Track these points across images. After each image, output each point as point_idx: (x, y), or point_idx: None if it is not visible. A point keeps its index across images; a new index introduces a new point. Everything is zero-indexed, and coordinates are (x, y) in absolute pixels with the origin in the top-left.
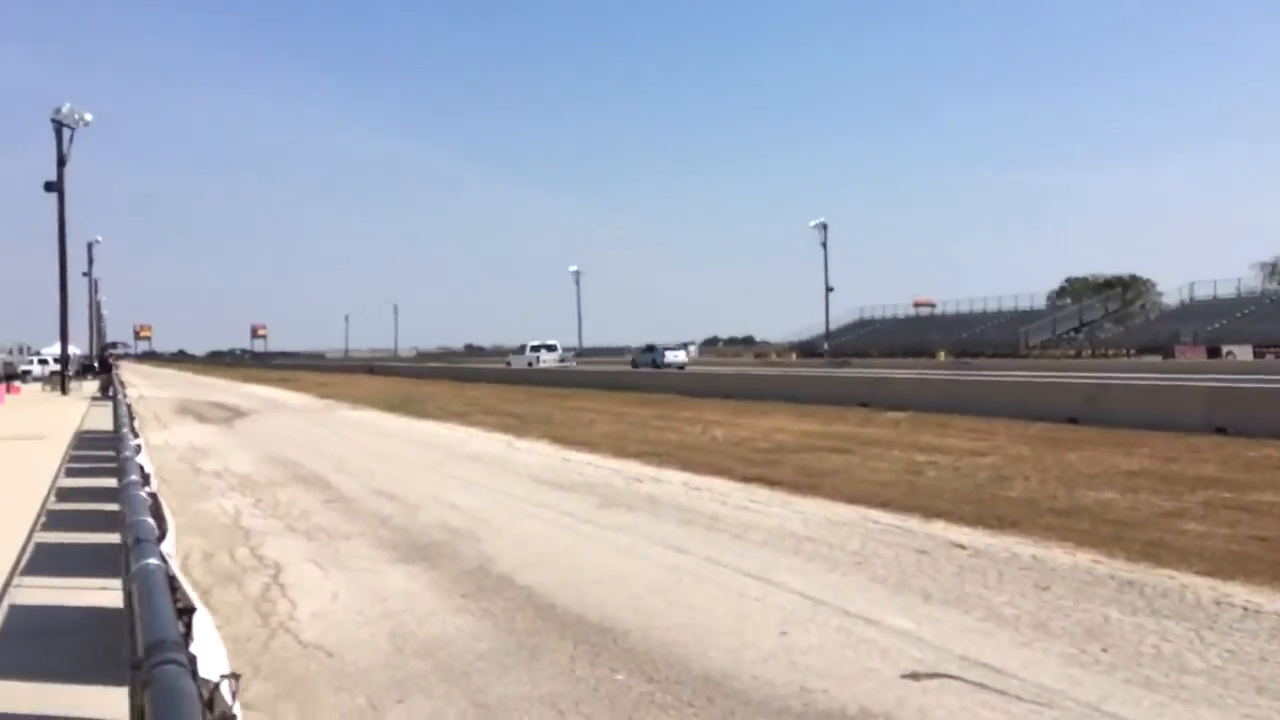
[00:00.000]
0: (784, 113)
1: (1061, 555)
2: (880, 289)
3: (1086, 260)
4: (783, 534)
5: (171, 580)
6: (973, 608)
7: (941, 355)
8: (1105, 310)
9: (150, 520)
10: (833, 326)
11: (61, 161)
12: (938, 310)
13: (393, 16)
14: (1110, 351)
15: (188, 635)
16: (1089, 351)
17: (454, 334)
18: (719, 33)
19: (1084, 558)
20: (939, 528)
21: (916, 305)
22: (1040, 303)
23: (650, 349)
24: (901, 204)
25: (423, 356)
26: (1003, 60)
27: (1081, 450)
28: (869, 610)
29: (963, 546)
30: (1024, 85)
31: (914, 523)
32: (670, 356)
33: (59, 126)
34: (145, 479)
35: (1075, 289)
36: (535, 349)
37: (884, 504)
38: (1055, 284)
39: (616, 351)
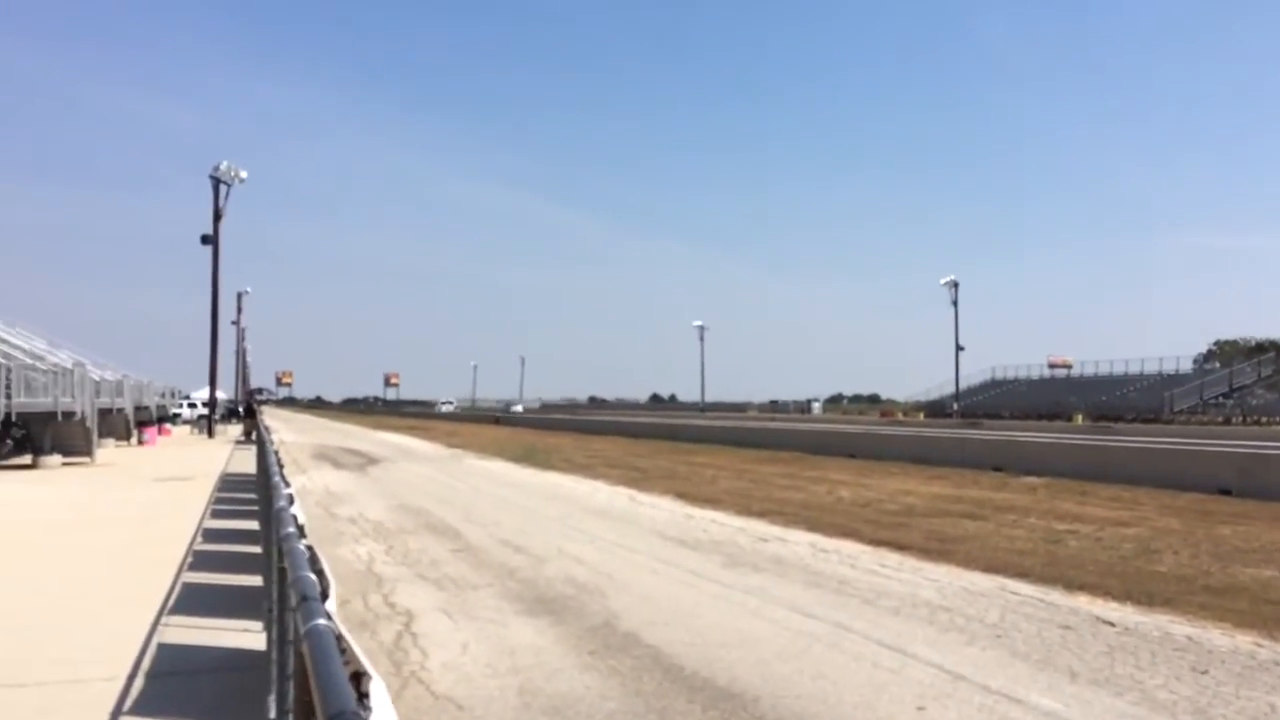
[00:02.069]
0: (916, 170)
1: (1219, 636)
2: (1013, 348)
3: (1236, 323)
4: (916, 602)
5: (338, 639)
6: (1124, 690)
7: (1078, 418)
8: (1258, 375)
9: (313, 576)
10: (962, 386)
11: (217, 216)
12: (1075, 371)
13: (521, 77)
14: (1263, 419)
15: (362, 700)
16: (1240, 418)
17: (578, 386)
18: (846, 90)
19: (1244, 640)
20: (1083, 602)
21: (1052, 365)
22: (1186, 366)
23: (506, 404)
24: (1036, 263)
25: (547, 408)
26: (1145, 122)
27: (1236, 524)
28: (1011, 688)
29: (1110, 623)
30: (1166, 148)
31: (1056, 595)
32: (515, 409)
33: (216, 183)
34: (301, 530)
35: (1224, 352)
36: (444, 403)
37: (1022, 574)
38: (1202, 347)
39: (739, 407)
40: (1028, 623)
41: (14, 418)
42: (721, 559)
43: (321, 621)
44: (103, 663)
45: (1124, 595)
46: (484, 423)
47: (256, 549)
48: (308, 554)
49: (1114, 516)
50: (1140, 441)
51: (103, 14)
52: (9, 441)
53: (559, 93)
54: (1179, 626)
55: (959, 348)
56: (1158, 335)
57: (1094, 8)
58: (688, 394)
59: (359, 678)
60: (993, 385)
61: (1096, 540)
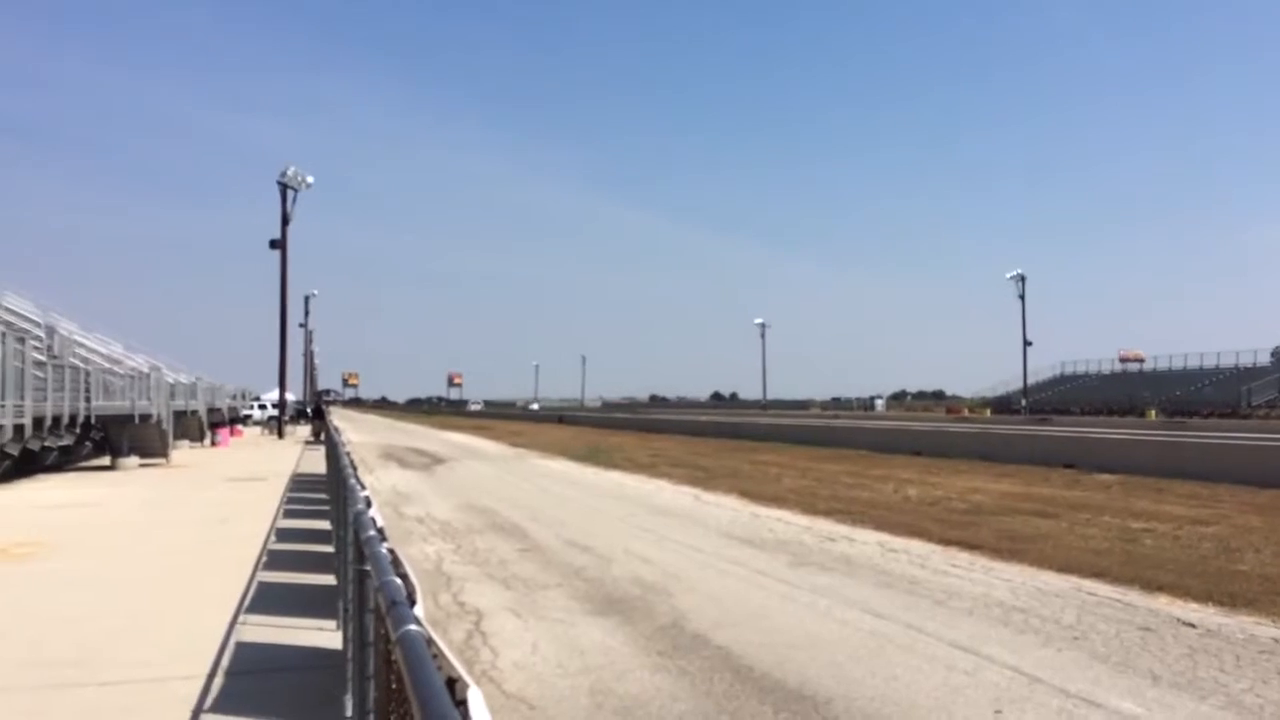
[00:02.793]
0: (982, 164)
1: None
2: (1082, 342)
3: None
4: (989, 602)
5: (429, 644)
6: (1208, 694)
7: (1152, 414)
8: None
9: (399, 581)
10: (1030, 381)
11: (285, 220)
12: (1147, 365)
13: (579, 77)
14: None
15: (460, 707)
16: None
17: (639, 384)
18: (906, 85)
19: None
20: (1162, 603)
21: (1123, 360)
22: (1264, 359)
23: (525, 403)
24: (1105, 256)
25: (608, 406)
26: (1219, 113)
27: None
28: (1091, 691)
29: (1192, 625)
30: (1243, 137)
31: (1134, 596)
32: (532, 407)
33: (284, 188)
34: (381, 534)
35: None
36: (474, 402)
37: (1098, 574)
38: None
39: (801, 404)
40: (1105, 624)
41: (93, 420)
42: (788, 558)
43: (413, 628)
44: (184, 661)
45: (1205, 596)
46: (546, 422)
47: (329, 548)
48: (390, 557)
49: (1192, 514)
50: (1217, 437)
51: (199, 38)
52: (88, 443)
53: (626, 96)
54: (1264, 628)
55: (1027, 342)
56: (1234, 327)
57: None
58: (749, 392)
59: (453, 684)
60: (1061, 380)
61: (1174, 539)
